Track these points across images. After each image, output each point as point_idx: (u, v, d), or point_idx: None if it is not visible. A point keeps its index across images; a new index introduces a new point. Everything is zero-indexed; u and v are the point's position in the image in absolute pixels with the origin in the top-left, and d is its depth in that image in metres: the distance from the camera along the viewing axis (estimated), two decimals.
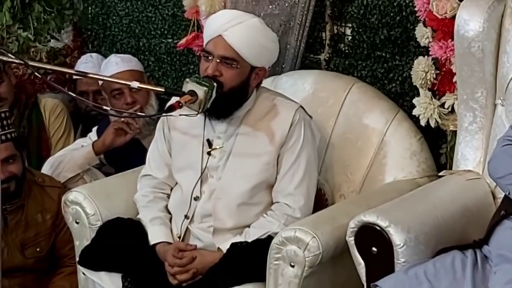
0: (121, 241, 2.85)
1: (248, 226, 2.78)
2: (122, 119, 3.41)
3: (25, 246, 3.26)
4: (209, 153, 2.82)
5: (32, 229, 3.27)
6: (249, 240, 2.71)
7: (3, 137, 3.12)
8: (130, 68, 3.61)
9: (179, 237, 2.85)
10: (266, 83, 3.29)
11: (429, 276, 2.30)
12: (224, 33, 2.71)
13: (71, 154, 3.54)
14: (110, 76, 3.36)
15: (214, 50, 2.72)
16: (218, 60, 2.71)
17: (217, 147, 2.82)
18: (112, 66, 3.59)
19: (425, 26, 2.99)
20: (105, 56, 3.96)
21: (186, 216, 2.84)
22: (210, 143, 2.83)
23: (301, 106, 2.84)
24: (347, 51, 3.42)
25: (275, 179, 2.81)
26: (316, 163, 2.89)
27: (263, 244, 2.68)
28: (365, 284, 2.53)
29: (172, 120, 2.88)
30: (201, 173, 2.82)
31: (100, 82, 3.68)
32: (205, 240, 2.81)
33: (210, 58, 2.72)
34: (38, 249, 3.28)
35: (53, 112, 3.83)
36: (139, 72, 3.66)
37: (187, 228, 2.85)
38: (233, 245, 2.71)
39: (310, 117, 2.88)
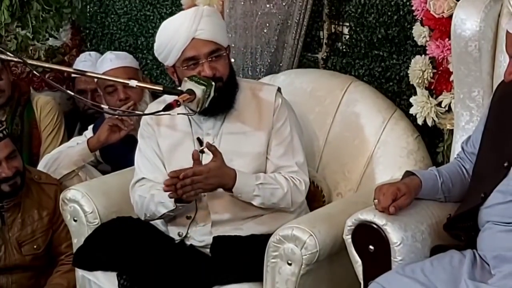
0: (114, 239, 2.85)
1: (245, 218, 2.79)
2: (116, 116, 3.41)
3: (22, 244, 3.26)
4: (202, 151, 2.81)
5: (29, 226, 3.27)
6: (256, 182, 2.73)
7: (0, 134, 3.13)
8: (124, 65, 3.60)
9: (180, 236, 2.85)
10: (265, 81, 3.30)
11: (427, 273, 2.30)
12: (196, 34, 2.73)
13: (66, 151, 3.55)
14: (103, 73, 3.37)
15: (199, 53, 2.73)
16: (210, 59, 2.73)
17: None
18: (106, 63, 3.59)
19: (422, 25, 3.00)
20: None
21: (188, 217, 2.83)
22: (201, 141, 2.83)
23: (278, 88, 2.89)
24: (344, 50, 3.43)
25: (265, 162, 2.83)
26: (303, 141, 2.93)
27: (258, 242, 2.70)
28: (362, 282, 2.53)
29: (155, 118, 2.88)
30: None
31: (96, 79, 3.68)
32: (205, 239, 2.81)
33: (201, 61, 2.73)
34: (35, 246, 3.28)
35: (44, 108, 3.83)
36: (133, 69, 3.65)
37: (187, 231, 2.84)
38: (228, 237, 2.73)
39: None
